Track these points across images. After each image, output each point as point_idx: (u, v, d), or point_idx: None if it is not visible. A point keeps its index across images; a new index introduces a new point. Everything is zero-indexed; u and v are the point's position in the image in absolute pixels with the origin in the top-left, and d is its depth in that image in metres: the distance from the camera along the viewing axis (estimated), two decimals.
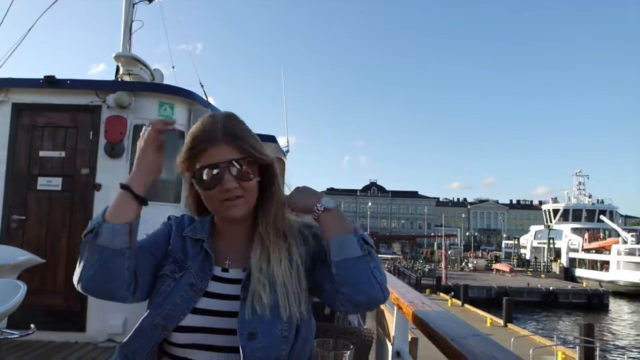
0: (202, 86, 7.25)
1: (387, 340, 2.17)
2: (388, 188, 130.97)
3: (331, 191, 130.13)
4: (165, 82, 6.97)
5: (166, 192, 5.31)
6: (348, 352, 1.06)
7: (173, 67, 9.02)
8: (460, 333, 1.06)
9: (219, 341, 1.16)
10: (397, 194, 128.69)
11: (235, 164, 1.20)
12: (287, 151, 9.04)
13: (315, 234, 1.31)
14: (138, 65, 6.31)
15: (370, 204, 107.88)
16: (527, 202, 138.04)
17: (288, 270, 1.23)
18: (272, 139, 7.16)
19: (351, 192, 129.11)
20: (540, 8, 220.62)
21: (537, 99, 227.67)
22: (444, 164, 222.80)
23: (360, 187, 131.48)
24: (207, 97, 6.36)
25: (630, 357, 16.93)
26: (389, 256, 57.68)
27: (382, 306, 2.62)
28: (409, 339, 1.95)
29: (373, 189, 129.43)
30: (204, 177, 1.20)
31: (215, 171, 1.19)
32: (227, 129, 1.23)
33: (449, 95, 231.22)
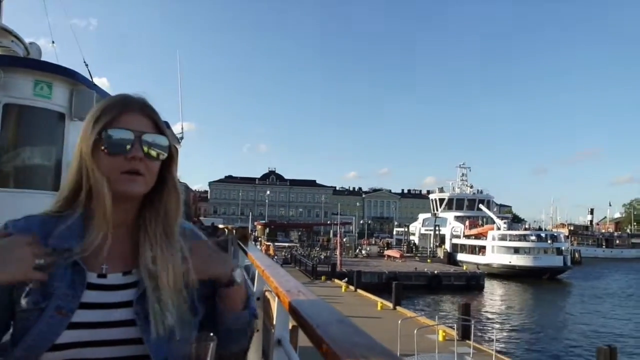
0: (86, 65, 6.71)
1: (272, 328, 2.19)
2: (287, 177, 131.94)
3: (229, 179, 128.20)
4: (46, 59, 6.36)
5: (42, 177, 4.85)
6: (212, 344, 1.06)
7: (53, 42, 8.22)
8: (326, 320, 1.08)
9: (101, 354, 1.05)
10: (295, 183, 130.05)
11: (148, 137, 1.11)
12: (182, 138, 8.74)
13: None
14: (8, 37, 5.68)
15: (268, 192, 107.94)
16: (417, 192, 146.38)
17: (181, 275, 1.13)
18: (165, 124, 6.86)
19: (250, 180, 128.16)
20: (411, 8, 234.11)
21: (427, 93, 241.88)
22: (342, 154, 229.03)
23: (259, 176, 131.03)
24: (92, 78, 5.92)
25: (498, 329, 18.76)
26: (287, 244, 58.25)
27: (267, 295, 2.64)
28: (290, 327, 1.98)
29: (272, 178, 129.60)
30: (113, 139, 1.08)
31: (126, 136, 1.09)
32: (145, 101, 1.16)
33: (347, 86, 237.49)
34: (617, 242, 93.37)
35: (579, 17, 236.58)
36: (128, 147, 1.09)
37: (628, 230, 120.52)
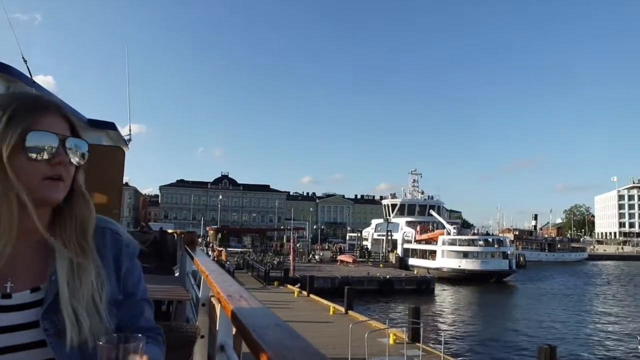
0: (25, 61, 6.39)
1: (216, 334, 2.15)
2: (240, 181, 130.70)
3: (181, 183, 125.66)
4: None
5: None
6: (131, 345, 0.98)
7: None
8: (263, 324, 1.08)
9: None
10: (248, 188, 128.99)
11: (71, 141, 1.04)
12: (129, 140, 8.46)
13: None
14: None
15: (221, 197, 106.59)
16: (370, 197, 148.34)
17: (94, 286, 1.05)
18: (110, 125, 6.62)
19: (202, 185, 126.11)
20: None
21: (380, 100, 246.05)
22: (297, 159, 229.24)
23: (211, 180, 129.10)
24: (31, 75, 5.65)
25: (446, 332, 19.22)
26: (239, 250, 57.57)
27: (213, 300, 2.59)
28: (234, 333, 1.95)
29: (224, 182, 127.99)
30: (36, 143, 0.99)
31: (50, 140, 1.00)
32: (61, 102, 1.07)
33: (302, 91, 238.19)
34: (559, 246, 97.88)
35: (519, 25, 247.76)
36: (53, 151, 1.01)
37: (568, 235, 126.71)
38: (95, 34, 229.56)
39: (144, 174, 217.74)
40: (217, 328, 2.00)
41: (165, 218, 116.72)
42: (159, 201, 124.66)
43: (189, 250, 3.81)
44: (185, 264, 4.25)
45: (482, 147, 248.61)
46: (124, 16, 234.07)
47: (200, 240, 69.03)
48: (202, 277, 2.71)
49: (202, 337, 2.59)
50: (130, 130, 8.60)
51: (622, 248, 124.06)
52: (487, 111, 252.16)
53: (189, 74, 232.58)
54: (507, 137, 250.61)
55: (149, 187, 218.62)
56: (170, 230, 8.64)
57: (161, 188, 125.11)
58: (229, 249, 53.81)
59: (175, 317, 3.57)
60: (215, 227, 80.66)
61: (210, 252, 49.52)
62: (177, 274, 4.97)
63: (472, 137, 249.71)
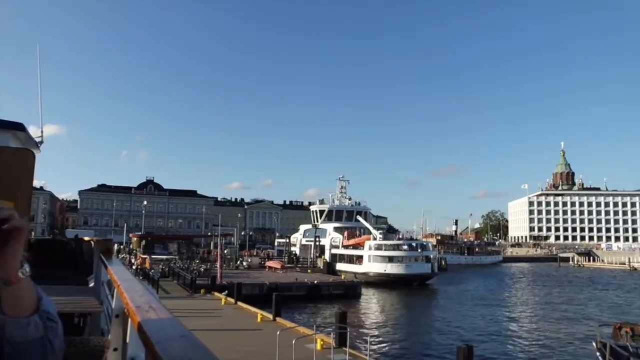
0: None
1: (127, 341, 2.08)
2: (166, 186, 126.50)
3: (103, 188, 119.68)
4: None
5: None
6: None
7: None
8: (168, 336, 1.07)
9: None
10: (175, 193, 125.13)
11: None
12: (41, 142, 7.92)
13: None
14: None
15: (145, 202, 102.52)
16: (298, 203, 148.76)
17: None
18: (17, 126, 6.15)
19: (125, 190, 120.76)
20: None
21: (311, 107, 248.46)
22: (225, 165, 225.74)
23: (135, 185, 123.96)
24: None
25: (372, 335, 19.63)
26: (165, 257, 55.56)
27: (127, 311, 2.48)
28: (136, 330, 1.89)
29: (150, 187, 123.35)
30: None
31: None
32: None
33: (232, 98, 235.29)
34: (477, 249, 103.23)
35: (450, 34, 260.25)
36: None
37: (485, 239, 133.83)
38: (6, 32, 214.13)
39: (63, 178, 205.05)
40: (127, 337, 1.93)
41: (84, 224, 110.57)
42: (78, 207, 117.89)
43: (104, 259, 3.63)
44: (100, 274, 4.04)
45: (407, 155, 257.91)
46: (39, 12, 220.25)
47: (123, 247, 66.33)
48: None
49: (116, 349, 2.48)
50: (42, 132, 8.07)
51: (535, 250, 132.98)
52: (414, 121, 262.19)
53: (112, 75, 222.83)
54: (432, 145, 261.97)
55: (68, 192, 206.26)
56: (87, 238, 8.18)
57: (80, 193, 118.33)
58: (153, 257, 51.80)
59: (88, 330, 3.39)
60: (139, 233, 77.41)
61: (133, 260, 47.47)
62: (91, 285, 4.71)
63: (399, 145, 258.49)
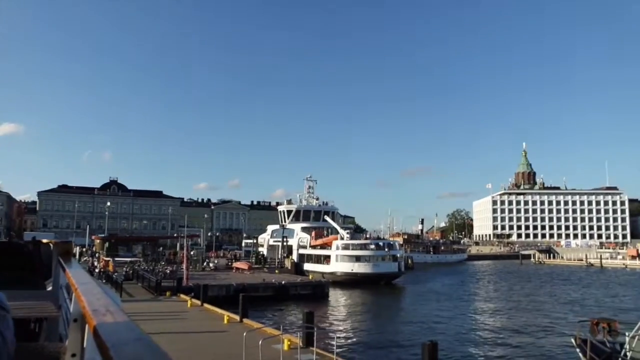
0: None
1: (84, 346, 2.04)
2: (130, 187, 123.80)
3: (64, 189, 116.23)
4: None
5: None
6: None
7: None
8: (123, 339, 1.06)
9: None
10: (139, 194, 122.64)
11: None
12: None
13: None
14: None
15: (109, 203, 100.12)
16: (266, 203, 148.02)
17: None
18: None
19: (88, 191, 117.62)
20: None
21: (278, 109, 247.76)
22: (193, 165, 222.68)
23: (99, 185, 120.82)
24: None
25: (339, 334, 19.75)
26: (129, 259, 54.38)
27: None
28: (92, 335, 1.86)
29: (113, 188, 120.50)
30: None
31: None
32: None
33: (198, 97, 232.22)
34: (443, 248, 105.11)
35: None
36: None
37: (451, 238, 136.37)
38: None
39: (21, 178, 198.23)
40: (85, 342, 1.90)
41: (44, 227, 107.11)
42: (37, 208, 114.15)
43: (62, 262, 3.54)
44: (59, 278, 3.93)
45: (376, 155, 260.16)
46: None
47: (85, 250, 64.52)
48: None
49: (74, 355, 2.43)
50: None
51: (499, 248, 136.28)
52: (382, 121, 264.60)
53: (77, 73, 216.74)
54: (400, 146, 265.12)
55: (26, 194, 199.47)
56: (45, 240, 7.94)
57: (40, 194, 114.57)
58: (117, 259, 50.62)
59: (44, 336, 3.29)
60: (102, 235, 75.54)
61: (96, 263, 46.29)
62: (49, 289, 4.59)
63: (367, 146, 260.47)
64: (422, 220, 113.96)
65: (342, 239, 55.71)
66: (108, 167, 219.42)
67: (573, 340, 15.89)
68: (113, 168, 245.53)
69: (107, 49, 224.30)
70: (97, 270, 40.39)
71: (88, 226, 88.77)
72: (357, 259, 52.36)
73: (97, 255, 57.21)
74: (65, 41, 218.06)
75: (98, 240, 69.38)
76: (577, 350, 15.40)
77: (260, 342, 13.31)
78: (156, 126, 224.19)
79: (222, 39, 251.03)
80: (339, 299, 39.75)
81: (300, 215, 66.68)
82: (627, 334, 14.64)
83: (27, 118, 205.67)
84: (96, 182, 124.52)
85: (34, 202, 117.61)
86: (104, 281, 33.48)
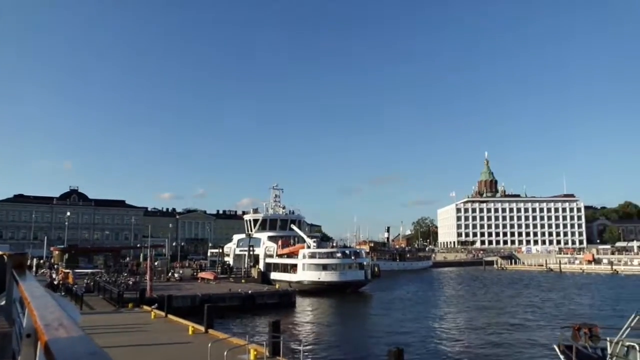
0: None
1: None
2: (91, 196, 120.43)
3: (20, 198, 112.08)
4: None
5: None
6: None
7: None
8: (75, 355, 1.06)
9: None
10: (101, 203, 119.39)
11: None
12: None
13: None
14: None
15: (69, 213, 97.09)
16: (232, 212, 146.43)
17: None
18: None
19: (46, 200, 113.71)
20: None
21: (243, 117, 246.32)
22: (156, 174, 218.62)
23: (58, 195, 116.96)
24: None
25: (306, 343, 19.65)
26: (90, 271, 52.76)
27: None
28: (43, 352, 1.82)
29: (73, 197, 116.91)
30: None
31: None
32: None
33: (163, 105, 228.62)
34: (408, 255, 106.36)
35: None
36: None
37: (416, 245, 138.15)
38: None
39: None
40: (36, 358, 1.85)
41: None
42: None
43: (15, 275, 3.42)
44: (12, 291, 3.80)
45: (341, 164, 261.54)
46: None
47: (43, 262, 62.23)
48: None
49: None
50: None
51: (464, 254, 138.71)
52: (348, 130, 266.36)
53: (34, 74, 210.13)
54: (366, 155, 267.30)
55: None
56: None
57: None
58: (77, 271, 48.99)
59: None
60: (62, 247, 73.08)
61: (55, 275, 44.72)
62: (2, 303, 4.42)
63: (333, 154, 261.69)
64: (388, 228, 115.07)
65: (308, 247, 55.59)
66: (68, 176, 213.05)
67: (556, 347, 15.60)
68: (73, 177, 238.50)
69: (62, 55, 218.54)
70: (55, 283, 39.02)
71: (46, 237, 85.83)
72: (324, 267, 52.32)
73: (55, 267, 55.25)
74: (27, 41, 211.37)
75: (57, 252, 67.07)
76: (562, 357, 15.10)
77: (225, 353, 13.14)
78: (118, 136, 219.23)
79: (188, 44, 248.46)
80: (306, 308, 39.62)
81: (266, 224, 66.28)
82: (607, 339, 14.26)
83: None
84: (55, 191, 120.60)
85: None
86: (62, 294, 32.34)
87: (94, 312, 28.18)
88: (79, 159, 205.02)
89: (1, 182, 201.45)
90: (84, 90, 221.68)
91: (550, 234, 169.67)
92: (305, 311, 37.94)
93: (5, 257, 6.24)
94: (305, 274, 52.45)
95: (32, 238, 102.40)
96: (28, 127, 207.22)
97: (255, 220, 67.52)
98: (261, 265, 58.80)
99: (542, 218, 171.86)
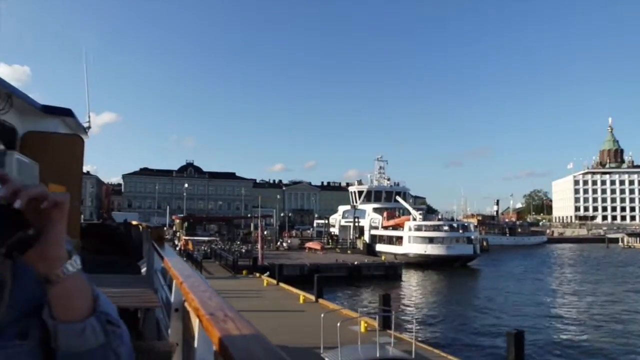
0: None
1: (194, 346, 1.89)
2: (205, 169, 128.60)
3: (145, 171, 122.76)
4: None
5: None
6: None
7: None
8: (252, 353, 0.92)
9: None
10: (214, 175, 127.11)
11: None
12: (89, 128, 7.95)
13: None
14: None
15: (186, 185, 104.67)
16: (336, 184, 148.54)
17: None
18: (66, 112, 6.12)
19: (167, 173, 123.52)
20: None
21: (354, 90, 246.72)
22: (267, 146, 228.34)
23: (176, 168, 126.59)
24: None
25: (416, 318, 19.33)
26: (206, 238, 56.77)
27: (186, 305, 2.31)
28: (215, 349, 1.69)
29: (190, 170, 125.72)
30: None
31: None
32: None
33: (277, 84, 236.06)
34: (519, 230, 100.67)
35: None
36: None
37: (528, 219, 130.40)
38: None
39: (112, 162, 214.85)
40: (195, 341, 1.75)
41: (129, 207, 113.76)
42: (122, 190, 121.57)
43: (158, 248, 3.50)
44: (153, 261, 3.93)
45: (447, 134, 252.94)
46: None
47: (166, 229, 68.08)
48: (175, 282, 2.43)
49: (177, 344, 2.33)
50: (89, 118, 8.09)
51: (586, 231, 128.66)
52: (453, 98, 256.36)
53: (165, 65, 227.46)
54: (473, 125, 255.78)
55: (116, 176, 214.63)
56: (134, 222, 8.23)
57: (124, 176, 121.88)
58: (195, 238, 52.94)
59: (142, 324, 3.27)
60: (182, 215, 79.25)
61: (176, 242, 48.68)
62: (143, 270, 4.63)
63: (438, 124, 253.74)
64: (497, 201, 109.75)
65: (414, 220, 54.80)
66: (188, 150, 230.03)
67: None
68: (190, 151, 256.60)
69: (195, 44, 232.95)
70: (177, 249, 42.47)
71: (168, 206, 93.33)
72: (431, 240, 51.34)
73: (177, 234, 60.08)
74: (146, 32, 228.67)
75: (178, 220, 72.88)
76: None
77: (338, 324, 13.25)
78: (232, 110, 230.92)
79: (290, 20, 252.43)
80: (412, 281, 39.20)
81: (371, 195, 66.33)
82: None
83: (123, 108, 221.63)
84: (174, 164, 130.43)
85: (119, 184, 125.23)
86: (184, 259, 35.08)
87: (213, 277, 30.16)
88: (199, 134, 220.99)
89: (137, 156, 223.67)
90: (205, 69, 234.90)
91: None
92: (412, 284, 37.54)
93: (141, 227, 6.61)
94: (412, 247, 51.86)
95: (156, 207, 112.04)
96: (162, 108, 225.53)
97: (360, 192, 67.79)
98: (366, 237, 59.12)
99: None
